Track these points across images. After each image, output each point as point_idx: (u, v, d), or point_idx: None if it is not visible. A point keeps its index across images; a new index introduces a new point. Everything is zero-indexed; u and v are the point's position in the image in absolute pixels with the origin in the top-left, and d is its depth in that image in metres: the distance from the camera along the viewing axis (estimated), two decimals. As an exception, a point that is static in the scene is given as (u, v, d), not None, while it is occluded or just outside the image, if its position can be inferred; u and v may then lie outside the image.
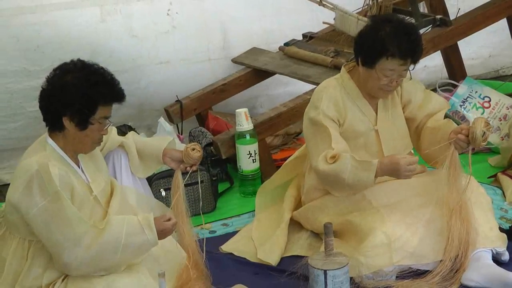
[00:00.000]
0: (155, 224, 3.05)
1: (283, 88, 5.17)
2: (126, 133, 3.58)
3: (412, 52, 3.37)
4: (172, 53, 4.87)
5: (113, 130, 3.44)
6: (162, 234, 3.10)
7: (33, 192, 2.95)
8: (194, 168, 3.45)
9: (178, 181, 3.44)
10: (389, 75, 3.40)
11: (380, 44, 3.35)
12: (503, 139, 4.51)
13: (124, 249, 2.99)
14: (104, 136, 3.16)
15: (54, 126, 3.04)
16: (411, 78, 3.53)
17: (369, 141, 3.57)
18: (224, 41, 4.99)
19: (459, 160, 3.38)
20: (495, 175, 4.20)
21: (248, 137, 4.23)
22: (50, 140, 3.06)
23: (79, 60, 3.07)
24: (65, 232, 2.95)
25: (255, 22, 5.03)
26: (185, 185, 3.50)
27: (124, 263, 3.05)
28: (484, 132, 3.30)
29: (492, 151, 4.46)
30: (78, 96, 2.97)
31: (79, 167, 3.13)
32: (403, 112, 3.64)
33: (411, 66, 3.44)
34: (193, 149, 3.42)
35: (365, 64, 3.43)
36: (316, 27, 4.98)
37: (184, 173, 3.46)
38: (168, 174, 4.01)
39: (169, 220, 3.11)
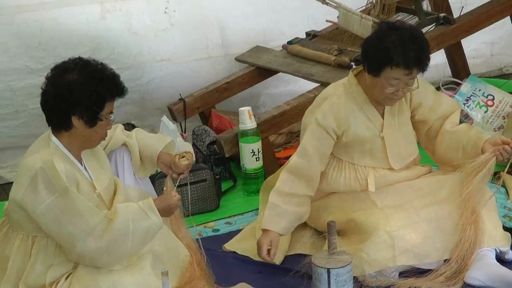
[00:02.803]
0: (158, 204, 3.12)
1: (284, 87, 5.17)
2: (130, 131, 3.58)
3: (417, 61, 3.31)
4: (172, 50, 4.89)
5: (117, 129, 3.43)
6: (168, 210, 3.19)
7: (38, 189, 2.96)
8: (182, 176, 3.36)
9: (168, 187, 3.36)
10: (394, 84, 3.33)
11: (384, 53, 3.29)
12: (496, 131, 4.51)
13: (133, 235, 3.03)
14: (107, 133, 3.17)
15: (60, 126, 3.05)
16: (418, 87, 3.45)
17: (375, 147, 3.54)
18: (222, 38, 5.00)
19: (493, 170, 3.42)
20: (495, 174, 4.18)
21: (251, 135, 4.23)
22: (54, 138, 3.06)
23: (78, 58, 3.08)
24: (77, 224, 2.97)
25: (251, 19, 5.04)
26: (180, 185, 3.49)
27: (135, 251, 3.08)
28: None
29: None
30: (86, 94, 2.98)
31: (82, 165, 3.13)
32: (414, 115, 3.60)
33: (420, 74, 3.39)
34: (182, 157, 3.34)
35: (370, 72, 3.38)
36: (312, 25, 4.99)
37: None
38: (171, 173, 4.01)
39: (174, 196, 3.19)
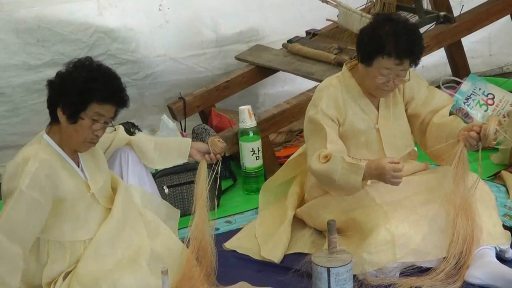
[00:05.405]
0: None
1: (281, 87, 5.19)
2: (129, 130, 3.59)
3: (409, 52, 3.35)
4: (167, 46, 4.93)
5: (120, 129, 3.45)
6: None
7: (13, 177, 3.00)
8: (219, 157, 3.48)
9: (203, 171, 3.44)
10: (385, 74, 3.38)
11: (377, 42, 3.34)
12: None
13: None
14: (111, 134, 3.18)
15: (51, 118, 3.08)
16: (409, 79, 3.49)
17: (371, 139, 3.56)
18: (216, 34, 5.03)
19: (467, 157, 3.36)
20: (494, 175, 4.18)
21: (251, 134, 4.23)
22: (45, 135, 3.10)
23: (87, 57, 3.09)
24: (3, 225, 2.95)
25: (242, 16, 5.08)
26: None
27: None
28: (497, 131, 3.29)
29: (496, 148, 4.45)
30: (73, 89, 3.00)
31: (78, 165, 3.14)
32: (406, 109, 3.64)
33: (413, 67, 3.42)
34: (219, 140, 3.51)
35: (363, 61, 3.42)
36: (305, 23, 5.02)
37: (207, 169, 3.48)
38: (171, 171, 4.01)
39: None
